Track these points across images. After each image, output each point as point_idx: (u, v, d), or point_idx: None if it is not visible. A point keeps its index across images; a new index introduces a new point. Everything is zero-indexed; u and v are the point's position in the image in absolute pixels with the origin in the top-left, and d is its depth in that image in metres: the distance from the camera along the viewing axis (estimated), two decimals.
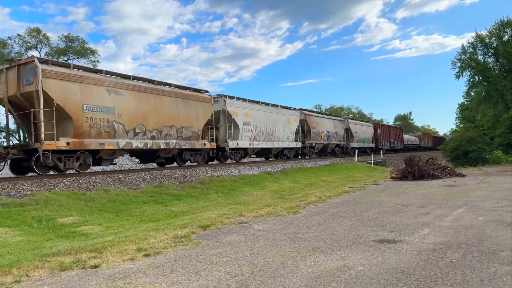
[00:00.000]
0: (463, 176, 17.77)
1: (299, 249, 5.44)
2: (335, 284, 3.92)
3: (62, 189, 10.82)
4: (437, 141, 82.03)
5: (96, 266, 4.83)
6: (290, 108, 27.46)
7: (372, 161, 31.35)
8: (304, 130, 28.38)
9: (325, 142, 31.49)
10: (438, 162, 19.41)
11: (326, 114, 33.68)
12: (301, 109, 29.15)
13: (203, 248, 5.67)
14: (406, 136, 60.72)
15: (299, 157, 28.76)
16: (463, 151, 30.35)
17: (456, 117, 77.38)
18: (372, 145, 42.79)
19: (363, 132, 40.31)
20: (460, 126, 59.01)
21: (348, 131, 36.53)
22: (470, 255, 4.81)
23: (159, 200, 11.27)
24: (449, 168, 18.99)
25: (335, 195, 12.12)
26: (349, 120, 38.99)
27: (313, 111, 32.37)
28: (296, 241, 5.96)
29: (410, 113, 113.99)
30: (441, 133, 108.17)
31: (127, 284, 4.12)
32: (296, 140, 27.14)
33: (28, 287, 4.17)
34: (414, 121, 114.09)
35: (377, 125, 47.56)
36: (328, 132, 31.89)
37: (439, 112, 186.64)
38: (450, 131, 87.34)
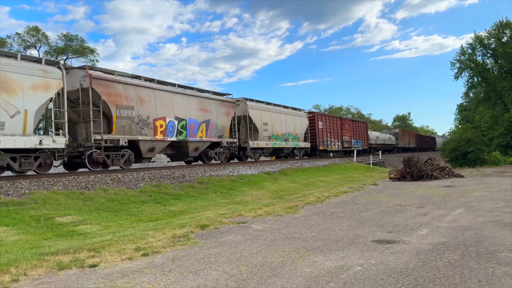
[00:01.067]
0: (462, 177, 17.79)
1: (297, 249, 5.44)
2: (333, 284, 3.92)
3: (60, 188, 10.80)
4: (423, 141, 69.85)
5: (94, 266, 4.82)
6: (25, 59, 12.00)
7: (371, 162, 31.40)
8: (106, 113, 14.27)
9: (170, 139, 16.75)
10: (437, 163, 19.44)
11: (181, 87, 18.49)
12: (84, 67, 14.57)
13: (201, 248, 5.67)
14: (374, 134, 47.95)
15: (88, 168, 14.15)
16: (462, 152, 30.41)
17: (455, 118, 77.29)
18: (305, 144, 28.63)
19: (282, 125, 25.36)
20: (459, 127, 59.09)
21: (247, 122, 22.06)
22: (468, 256, 4.82)
23: (158, 200, 11.26)
24: (447, 169, 19.01)
25: (334, 195, 12.12)
26: (249, 102, 22.63)
27: (129, 75, 16.19)
28: (295, 241, 5.96)
29: (409, 113, 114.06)
30: (440, 134, 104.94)
31: (126, 284, 4.11)
32: (47, 131, 13.61)
33: (26, 286, 4.16)
34: (413, 122, 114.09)
35: (318, 115, 32.12)
36: (180, 120, 17.18)
37: (438, 112, 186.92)
38: (449, 132, 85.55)
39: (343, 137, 35.21)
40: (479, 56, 40.07)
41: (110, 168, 15.10)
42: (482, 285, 3.78)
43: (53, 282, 4.27)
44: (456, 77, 40.55)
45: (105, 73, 14.86)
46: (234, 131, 21.43)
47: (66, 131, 12.84)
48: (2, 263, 4.98)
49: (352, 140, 37.27)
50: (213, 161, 20.44)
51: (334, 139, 33.42)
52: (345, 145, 35.57)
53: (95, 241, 6.31)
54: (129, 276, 4.39)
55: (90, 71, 14.08)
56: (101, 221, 8.48)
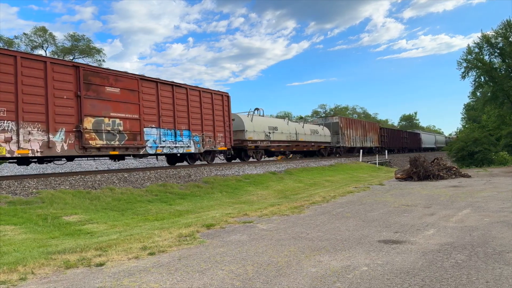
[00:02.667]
0: (469, 177, 17.67)
1: (303, 249, 5.44)
2: (339, 284, 3.91)
3: (67, 187, 10.87)
4: (396, 138, 49.73)
5: (101, 264, 4.85)
6: None
7: (377, 161, 31.27)
8: None
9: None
10: (444, 163, 19.33)
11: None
12: None
13: (207, 247, 5.68)
14: (263, 122, 24.13)
15: None
16: (469, 152, 30.23)
17: (462, 118, 76.32)
18: None
19: None
20: (466, 126, 58.58)
21: None
22: (476, 256, 4.79)
23: (164, 199, 11.30)
24: (454, 169, 18.89)
25: (340, 195, 12.09)
26: None
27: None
28: (301, 240, 5.96)
29: (416, 113, 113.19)
30: (446, 133, 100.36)
31: (132, 283, 4.13)
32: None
33: (33, 285, 4.20)
34: (420, 122, 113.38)
35: None
36: None
37: (445, 112, 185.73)
38: (455, 132, 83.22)
39: (84, 119, 12.91)
40: (486, 55, 39.76)
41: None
42: (490, 286, 3.75)
43: (60, 280, 4.30)
44: (463, 77, 40.24)
45: None
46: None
47: None
48: (10, 262, 5.03)
49: (149, 130, 15.40)
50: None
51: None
52: (96, 142, 13.25)
53: (102, 240, 6.35)
54: (135, 275, 4.41)
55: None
56: (107, 220, 8.53)
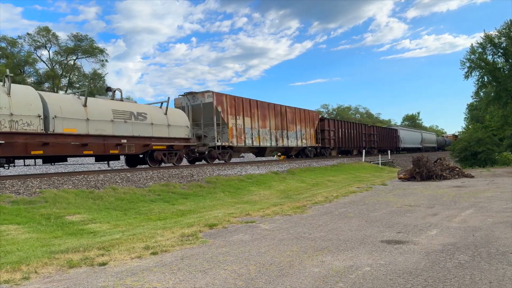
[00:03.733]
0: (472, 177, 17.61)
1: (306, 249, 5.43)
2: (342, 284, 3.91)
3: (70, 187, 10.90)
4: (356, 135, 36.23)
5: (104, 264, 4.86)
6: None
7: (380, 162, 31.22)
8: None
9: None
10: (447, 163, 19.27)
11: None
12: None
13: (210, 247, 5.69)
14: None
15: None
16: (472, 152, 30.15)
17: (465, 118, 75.77)
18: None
19: None
20: (469, 127, 58.35)
21: None
22: (479, 257, 4.77)
23: (166, 199, 11.32)
24: (457, 169, 18.84)
25: (342, 195, 12.08)
26: None
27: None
28: (303, 240, 5.95)
29: (418, 113, 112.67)
30: (449, 133, 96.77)
31: (135, 282, 4.14)
32: None
33: (36, 284, 4.21)
34: (423, 121, 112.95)
35: None
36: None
37: (449, 112, 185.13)
38: (459, 132, 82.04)
39: None
40: (489, 55, 39.58)
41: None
42: (493, 287, 3.74)
43: (63, 280, 4.31)
44: (466, 77, 40.04)
45: None
46: None
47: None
48: (13, 261, 5.04)
49: None
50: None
51: None
52: None
53: (105, 240, 6.36)
54: (138, 274, 4.41)
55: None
56: (110, 219, 8.55)
